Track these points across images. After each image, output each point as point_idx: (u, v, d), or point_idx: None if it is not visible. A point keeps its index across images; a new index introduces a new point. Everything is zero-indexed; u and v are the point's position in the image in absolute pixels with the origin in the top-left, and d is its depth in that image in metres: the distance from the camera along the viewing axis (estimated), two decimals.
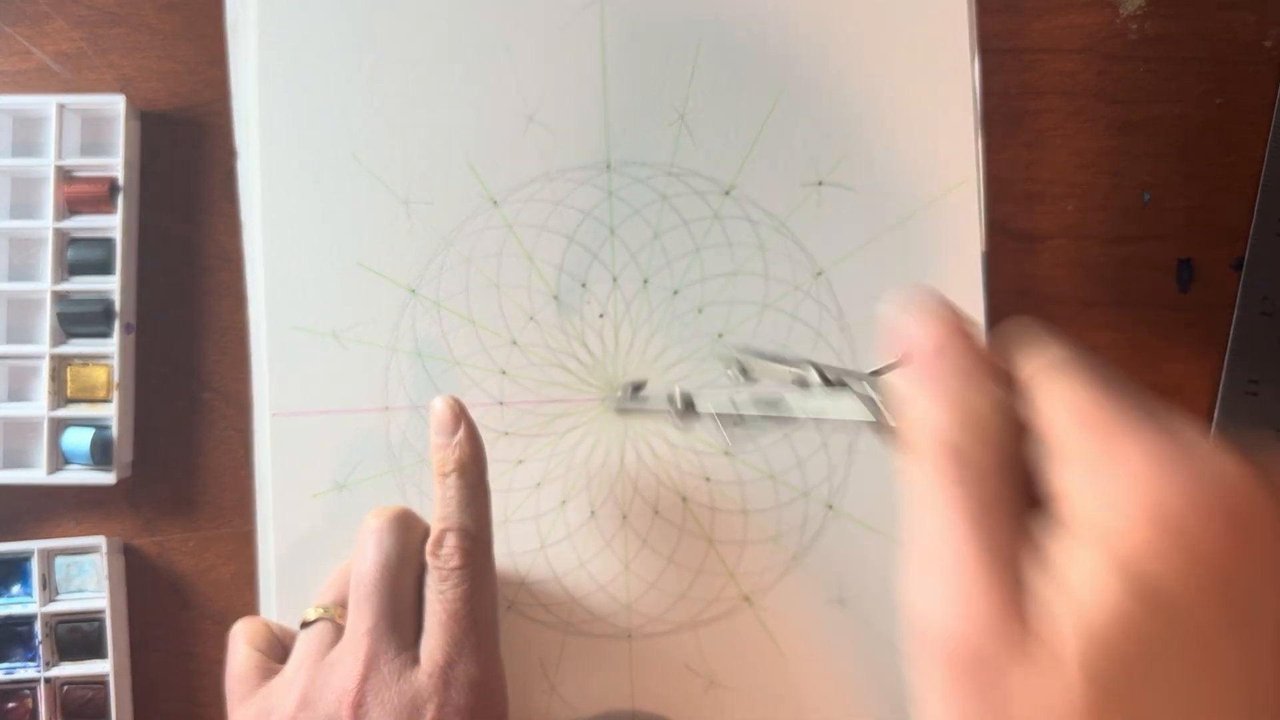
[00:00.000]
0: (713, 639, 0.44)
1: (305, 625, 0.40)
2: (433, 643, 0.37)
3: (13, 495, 0.46)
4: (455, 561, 0.38)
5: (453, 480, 0.39)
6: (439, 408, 0.40)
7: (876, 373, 0.30)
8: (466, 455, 0.40)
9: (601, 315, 0.45)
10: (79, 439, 0.45)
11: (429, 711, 0.36)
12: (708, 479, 0.45)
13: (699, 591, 0.44)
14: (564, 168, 0.45)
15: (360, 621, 0.38)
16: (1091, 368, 0.26)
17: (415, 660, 0.37)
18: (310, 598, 0.44)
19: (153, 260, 0.47)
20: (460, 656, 0.37)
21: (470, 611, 0.37)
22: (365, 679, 0.36)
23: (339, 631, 0.39)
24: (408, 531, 0.40)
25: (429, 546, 0.38)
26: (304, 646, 0.39)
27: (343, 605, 0.39)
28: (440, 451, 0.40)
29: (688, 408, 0.37)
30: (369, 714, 0.36)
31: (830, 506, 0.45)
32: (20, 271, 0.47)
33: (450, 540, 0.38)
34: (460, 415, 0.40)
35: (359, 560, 0.39)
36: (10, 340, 0.46)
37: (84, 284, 0.45)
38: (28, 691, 0.45)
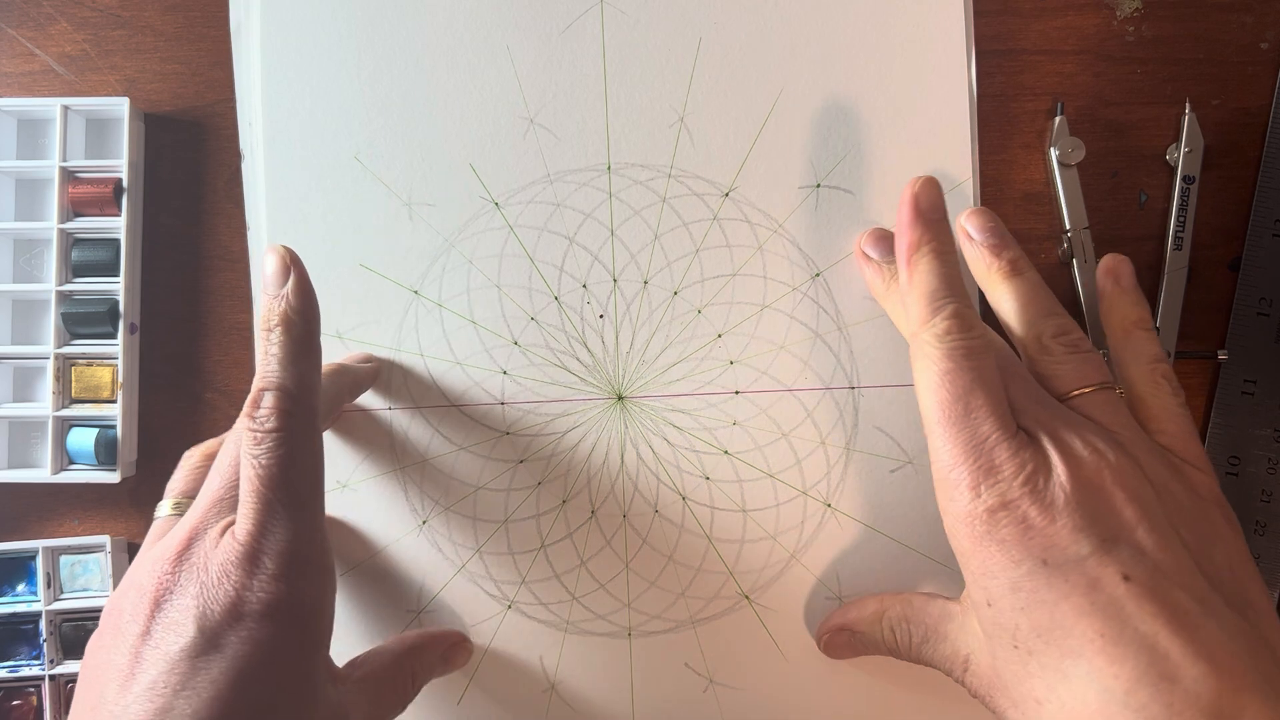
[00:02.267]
0: (712, 637, 0.45)
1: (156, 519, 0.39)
2: (244, 510, 0.34)
3: (18, 494, 0.47)
4: (271, 424, 0.34)
5: (277, 335, 0.36)
6: (270, 259, 0.37)
7: None
8: (293, 309, 0.36)
9: (602, 316, 0.45)
10: (83, 438, 0.45)
11: (232, 579, 0.33)
12: (707, 478, 0.45)
13: (698, 590, 0.45)
14: (565, 170, 0.45)
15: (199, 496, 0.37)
16: None
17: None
18: None
19: (157, 261, 0.47)
20: (273, 525, 0.34)
21: (285, 479, 0.34)
22: (181, 553, 0.34)
23: None
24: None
25: (246, 407, 0.35)
26: (148, 538, 0.38)
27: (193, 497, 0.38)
28: (266, 304, 0.36)
29: None
30: (179, 583, 0.34)
31: (829, 505, 0.45)
32: (25, 272, 0.47)
33: (268, 400, 0.34)
34: (290, 266, 0.37)
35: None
36: (15, 341, 0.47)
37: (89, 285, 0.46)
38: (32, 689, 0.45)
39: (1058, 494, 0.34)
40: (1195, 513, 0.35)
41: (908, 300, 0.39)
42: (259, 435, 0.34)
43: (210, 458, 0.40)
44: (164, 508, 0.39)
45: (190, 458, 0.41)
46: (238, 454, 0.36)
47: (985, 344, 0.37)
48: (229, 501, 0.36)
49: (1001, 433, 0.35)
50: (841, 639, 0.43)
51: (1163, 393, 0.39)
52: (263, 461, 0.34)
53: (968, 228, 0.41)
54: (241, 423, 0.35)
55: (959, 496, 0.35)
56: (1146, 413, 0.39)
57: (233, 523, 0.35)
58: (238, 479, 0.35)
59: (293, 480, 0.34)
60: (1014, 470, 0.34)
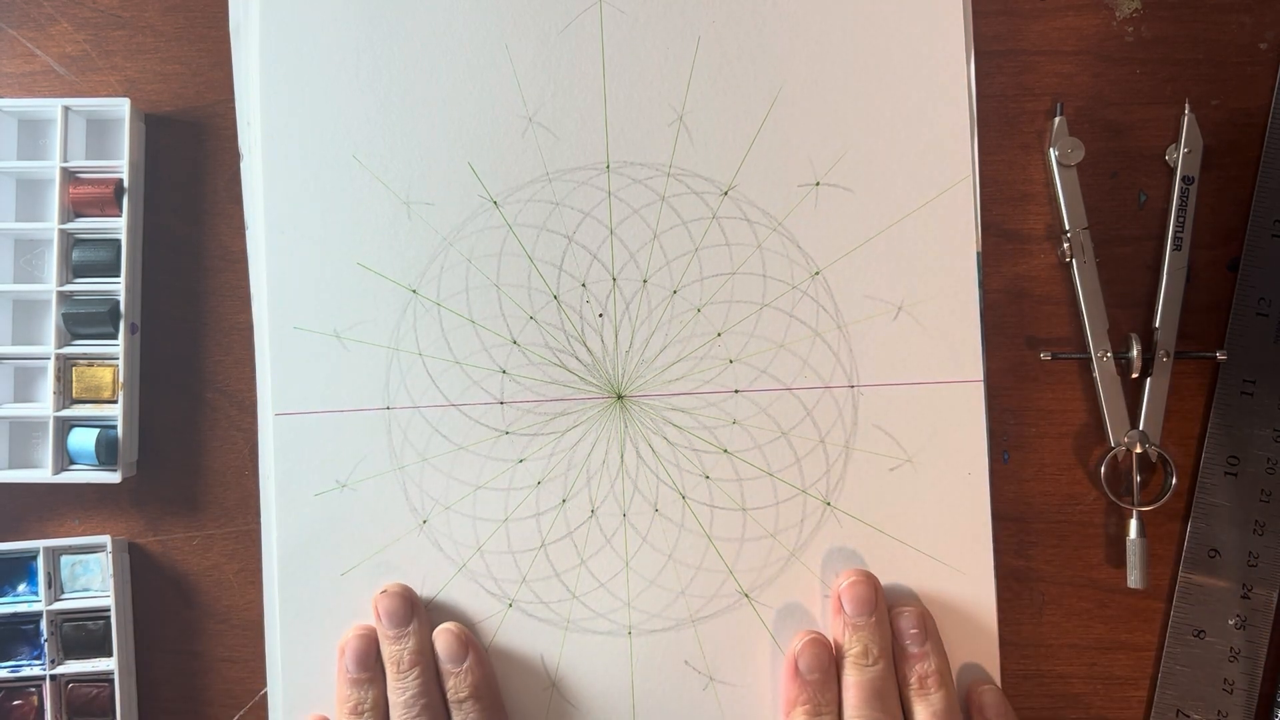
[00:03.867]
0: (712, 635, 0.45)
1: None
2: None
3: (19, 494, 0.47)
4: None
5: (470, 705, 0.42)
6: (446, 640, 0.43)
7: None
8: (480, 682, 0.42)
9: (601, 315, 0.45)
10: (84, 439, 0.45)
11: None
12: (707, 476, 0.45)
13: (698, 588, 0.45)
14: (564, 168, 0.45)
15: None
16: None
17: None
18: (312, 597, 0.44)
19: (157, 261, 0.47)
20: None
21: None
22: None
23: None
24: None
25: None
26: None
27: None
28: (451, 679, 0.42)
29: None
30: None
31: (828, 503, 0.45)
32: (26, 273, 0.47)
33: None
34: (468, 644, 0.43)
35: None
36: (16, 341, 0.47)
37: (89, 285, 0.46)
38: (33, 689, 0.45)
39: None
40: None
41: None
42: None
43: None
44: None
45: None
46: None
47: None
48: None
49: None
50: None
51: None
52: None
53: (901, 628, 0.43)
54: None
55: None
56: None
57: None
58: None
59: None
60: None
